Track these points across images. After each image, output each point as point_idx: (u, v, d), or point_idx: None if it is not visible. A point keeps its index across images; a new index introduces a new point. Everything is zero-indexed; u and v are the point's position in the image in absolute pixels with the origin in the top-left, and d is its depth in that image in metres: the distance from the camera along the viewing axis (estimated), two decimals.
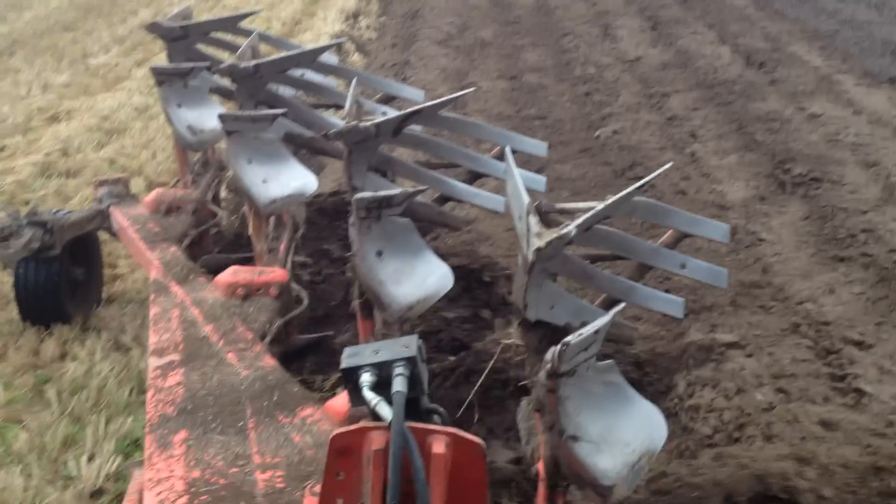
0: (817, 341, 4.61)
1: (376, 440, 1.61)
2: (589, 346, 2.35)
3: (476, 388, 3.88)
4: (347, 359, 1.71)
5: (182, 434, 3.24)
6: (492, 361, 3.91)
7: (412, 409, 1.69)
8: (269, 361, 3.63)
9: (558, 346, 2.25)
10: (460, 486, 1.66)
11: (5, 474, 4.18)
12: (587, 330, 2.31)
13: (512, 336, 3.98)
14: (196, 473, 3.04)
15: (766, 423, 3.86)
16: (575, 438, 2.37)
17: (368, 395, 1.63)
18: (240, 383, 3.49)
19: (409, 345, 1.69)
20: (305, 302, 4.20)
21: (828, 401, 4.08)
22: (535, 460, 2.72)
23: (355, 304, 3.57)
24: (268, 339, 3.89)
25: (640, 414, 2.45)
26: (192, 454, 3.13)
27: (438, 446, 1.62)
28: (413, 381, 1.66)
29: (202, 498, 2.94)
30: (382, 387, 1.64)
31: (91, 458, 4.25)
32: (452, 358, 4.27)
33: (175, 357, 3.73)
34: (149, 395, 3.50)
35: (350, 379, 1.67)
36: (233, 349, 3.73)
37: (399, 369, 1.65)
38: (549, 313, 2.79)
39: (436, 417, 1.73)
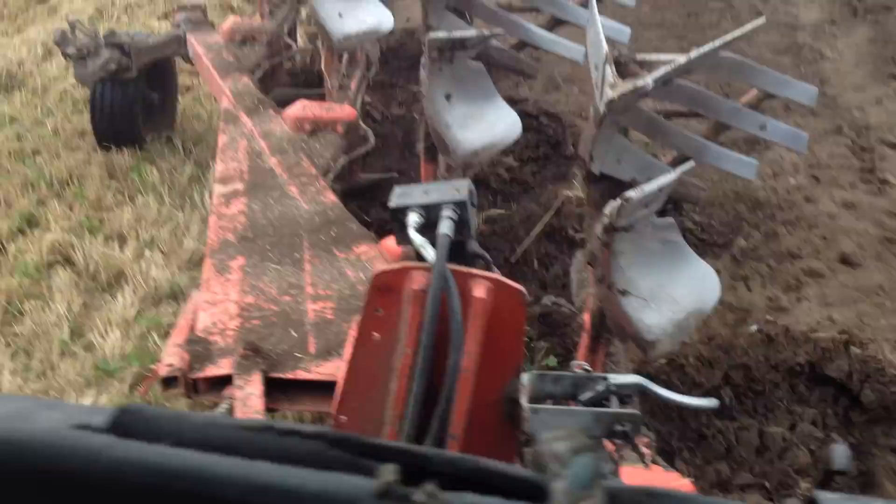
0: (855, 141, 5.12)
1: (417, 280, 1.58)
2: (650, 203, 2.26)
3: (531, 236, 3.84)
4: (397, 198, 1.66)
5: (240, 260, 3.31)
6: (551, 211, 3.84)
7: (457, 252, 1.65)
8: (331, 197, 3.64)
9: (618, 201, 2.17)
10: (498, 331, 1.63)
11: (142, 199, 5.15)
12: (650, 186, 2.21)
13: (574, 188, 3.89)
14: (250, 299, 3.12)
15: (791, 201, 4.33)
16: (624, 293, 2.33)
17: (414, 235, 1.59)
18: (300, 216, 3.52)
19: (460, 188, 1.63)
20: (371, 141, 4.16)
21: (853, 187, 4.72)
22: (583, 311, 2.69)
23: (420, 146, 3.50)
24: (331, 175, 3.88)
25: (694, 274, 2.38)
26: (248, 280, 3.20)
27: (479, 290, 1.58)
28: (460, 224, 1.62)
29: (254, 322, 3.02)
30: (430, 228, 1.60)
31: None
32: (513, 205, 4.21)
33: (239, 186, 3.76)
34: (211, 220, 3.57)
35: (397, 218, 1.63)
36: (296, 183, 3.75)
37: (447, 212, 1.59)
38: (615, 167, 2.68)
39: (480, 262, 1.69)
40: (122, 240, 4.81)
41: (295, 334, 2.98)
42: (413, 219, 1.59)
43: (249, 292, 3.16)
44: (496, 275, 1.59)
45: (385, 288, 1.61)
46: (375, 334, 1.66)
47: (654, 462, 2.59)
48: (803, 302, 3.97)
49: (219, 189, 3.77)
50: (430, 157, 3.48)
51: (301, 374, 2.84)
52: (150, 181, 5.33)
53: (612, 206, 2.15)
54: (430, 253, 1.52)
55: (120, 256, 4.63)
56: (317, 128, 4.12)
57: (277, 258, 3.33)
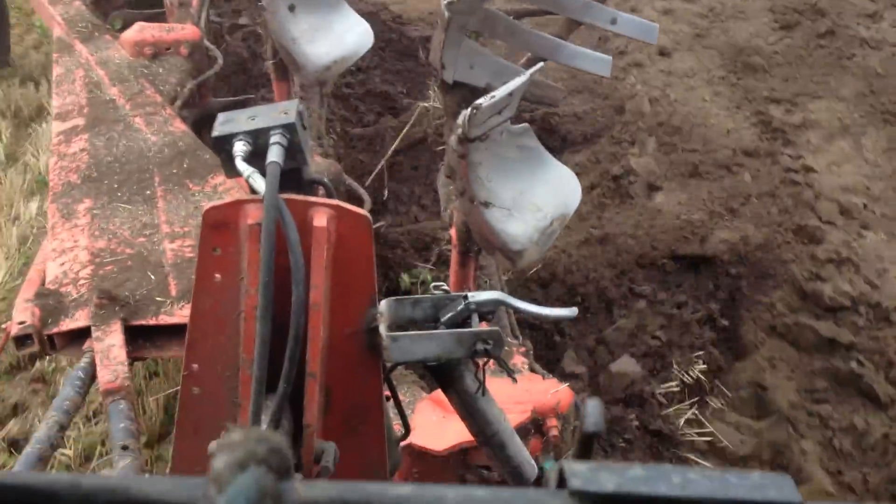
0: None
1: (252, 214, 1.47)
2: (503, 110, 2.19)
3: (388, 153, 3.74)
4: (220, 126, 1.52)
5: (87, 203, 3.09)
6: (406, 127, 3.74)
7: (293, 180, 1.54)
8: (180, 126, 3.42)
9: (468, 110, 2.09)
10: (346, 260, 1.54)
11: None
12: (500, 92, 2.14)
13: (431, 99, 3.78)
14: (101, 243, 2.93)
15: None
16: (486, 204, 2.27)
17: (241, 166, 1.46)
18: (147, 149, 3.30)
19: (288, 110, 1.50)
20: (220, 62, 3.91)
21: None
22: (451, 226, 2.64)
23: (268, 65, 3.31)
24: (179, 102, 3.65)
25: (554, 178, 2.34)
26: (97, 224, 3.00)
27: (320, 219, 1.48)
28: (292, 149, 1.50)
29: (107, 268, 2.85)
30: (259, 157, 1.47)
31: None
32: (373, 121, 4.08)
33: (79, 122, 3.49)
34: (52, 162, 3.31)
35: (223, 149, 1.50)
36: (140, 113, 3.50)
37: (276, 137, 1.47)
38: (468, 74, 2.59)
39: (319, 189, 1.59)
40: None
41: (153, 277, 2.83)
42: (239, 147, 1.46)
43: (100, 236, 2.96)
44: (336, 201, 1.49)
45: (218, 225, 1.50)
46: (217, 275, 1.55)
47: (532, 371, 2.60)
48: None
49: (57, 126, 3.49)
50: (281, 75, 3.30)
51: (165, 319, 2.71)
52: None
53: (463, 116, 2.07)
54: (259, 183, 1.41)
55: None
56: (158, 51, 3.85)
57: (127, 197, 3.12)
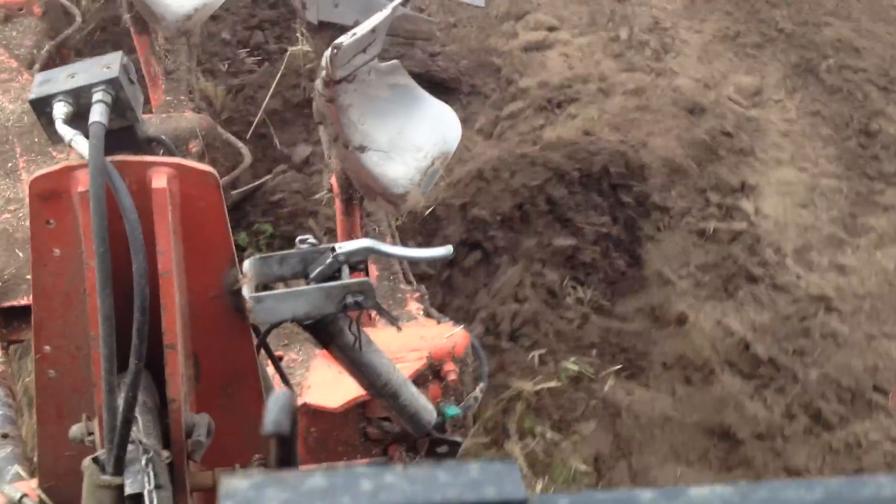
0: None
1: (83, 180, 1.35)
2: (367, 47, 2.09)
3: (264, 103, 3.58)
4: (37, 87, 1.39)
5: None
6: (278, 75, 3.58)
7: (126, 140, 1.42)
8: None
9: (329, 50, 1.98)
10: (196, 221, 1.44)
11: None
12: (362, 28, 2.03)
13: (300, 43, 3.63)
14: None
15: None
16: (362, 149, 2.18)
17: (62, 129, 1.34)
18: (6, 119, 3.08)
19: (110, 64, 1.38)
20: (78, 19, 3.65)
21: None
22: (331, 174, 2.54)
23: (126, 18, 3.10)
24: (37, 65, 3.40)
25: (431, 114, 2.26)
26: None
27: (159, 180, 1.37)
28: (120, 107, 1.37)
29: None
30: (85, 118, 1.35)
31: None
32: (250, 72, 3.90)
33: None
34: None
35: (43, 112, 1.37)
36: None
37: (98, 95, 1.34)
38: (332, 12, 2.47)
39: (158, 147, 1.47)
40: None
41: (22, 255, 2.65)
42: (60, 109, 1.33)
43: None
44: (177, 159, 1.38)
45: (48, 195, 1.37)
46: (56, 249, 1.43)
47: (427, 315, 2.55)
48: None
49: None
50: (140, 28, 3.10)
51: None
52: None
53: (325, 58, 1.96)
54: (83, 147, 1.28)
55: None
56: (10, 13, 3.57)
57: None
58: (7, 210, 2.77)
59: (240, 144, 3.13)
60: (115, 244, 1.31)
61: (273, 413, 0.50)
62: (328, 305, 1.51)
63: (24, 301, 2.54)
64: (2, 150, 2.98)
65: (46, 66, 3.45)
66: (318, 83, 2.09)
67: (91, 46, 4.03)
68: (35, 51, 3.47)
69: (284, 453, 0.58)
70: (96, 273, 1.27)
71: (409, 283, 2.57)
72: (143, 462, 1.31)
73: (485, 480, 0.36)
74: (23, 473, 1.90)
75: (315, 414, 2.17)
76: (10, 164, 2.93)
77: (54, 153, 2.92)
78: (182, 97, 3.13)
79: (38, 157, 2.93)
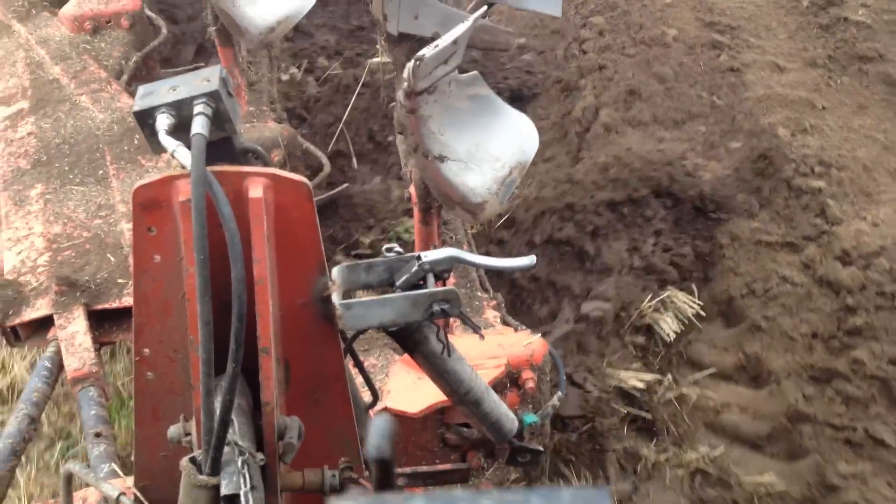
0: None
1: (183, 190, 1.40)
2: (448, 59, 2.11)
3: (346, 113, 3.64)
4: (140, 100, 1.44)
5: (39, 188, 3.01)
6: (359, 86, 3.64)
7: (224, 151, 1.47)
8: (128, 101, 3.32)
9: (412, 62, 2.02)
10: (288, 230, 1.48)
11: None
12: (443, 40, 2.06)
13: (380, 54, 3.68)
14: (57, 229, 2.85)
15: None
16: (441, 159, 2.21)
17: (165, 140, 1.39)
18: (96, 128, 3.21)
19: (210, 77, 1.43)
20: (164, 31, 3.78)
21: None
22: (410, 184, 2.58)
23: (211, 31, 3.20)
24: (125, 76, 3.54)
25: (510, 126, 2.28)
26: (51, 208, 2.92)
27: (255, 189, 1.42)
28: (219, 119, 1.42)
29: (65, 253, 2.78)
30: (185, 129, 1.40)
31: None
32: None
33: (24, 105, 3.39)
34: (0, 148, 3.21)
35: (146, 123, 1.43)
36: (86, 91, 3.40)
37: (199, 108, 1.40)
38: (412, 24, 2.50)
39: (254, 158, 1.52)
40: None
41: (113, 259, 2.76)
42: (162, 121, 1.39)
43: (55, 222, 2.89)
44: (273, 170, 1.43)
45: (150, 204, 1.43)
46: (156, 256, 1.49)
47: (505, 323, 2.57)
48: None
49: (1, 112, 3.38)
50: (225, 40, 3.19)
51: (130, 302, 2.64)
52: None
53: (407, 69, 2.00)
54: (185, 157, 1.34)
55: None
56: (99, 25, 3.72)
57: (80, 179, 3.04)
58: (98, 216, 2.88)
59: (319, 153, 3.19)
60: (212, 252, 1.36)
61: (375, 438, 0.52)
62: (415, 313, 1.55)
63: (115, 304, 2.64)
64: (93, 157, 3.10)
65: (134, 76, 3.59)
66: (400, 94, 2.13)
67: (175, 54, 4.16)
68: (123, 62, 3.61)
69: (385, 476, 0.60)
70: (196, 279, 1.32)
71: (485, 290, 2.60)
72: (239, 463, 1.36)
73: None
74: (118, 471, 1.97)
75: (395, 419, 2.20)
76: (100, 172, 3.04)
77: (143, 161, 3.03)
78: (264, 107, 3.22)
79: (127, 164, 3.04)
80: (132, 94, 3.42)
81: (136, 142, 3.11)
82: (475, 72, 2.21)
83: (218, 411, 1.35)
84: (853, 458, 2.92)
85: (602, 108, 4.12)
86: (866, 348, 3.18)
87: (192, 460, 1.39)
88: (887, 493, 2.80)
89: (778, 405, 3.14)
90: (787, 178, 3.88)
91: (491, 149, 2.24)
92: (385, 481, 0.73)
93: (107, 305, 2.65)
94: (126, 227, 2.82)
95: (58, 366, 2.54)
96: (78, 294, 2.66)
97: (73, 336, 2.56)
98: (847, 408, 3.05)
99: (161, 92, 1.44)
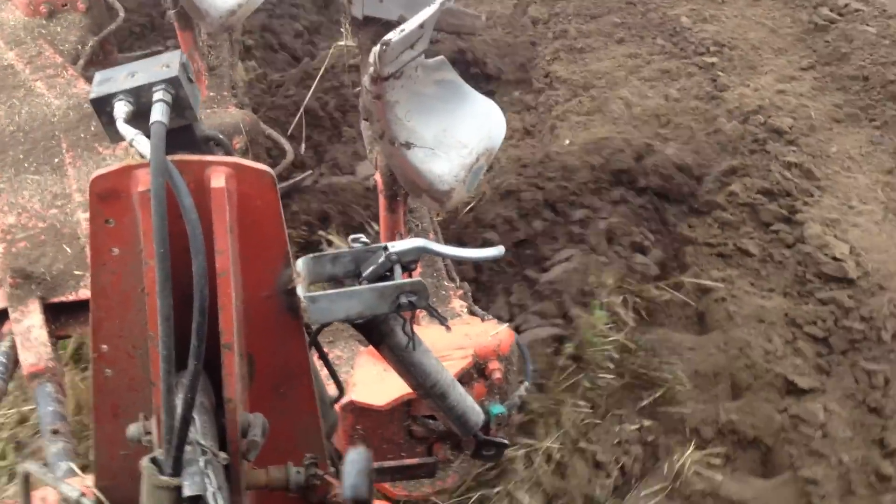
0: None
1: (143, 179, 1.35)
2: (415, 43, 2.07)
3: (306, 99, 3.58)
4: (97, 86, 1.39)
5: None
6: (321, 69, 3.57)
7: (184, 139, 1.42)
8: (84, 87, 3.23)
9: (377, 47, 1.97)
10: (252, 220, 1.44)
11: None
12: (410, 24, 2.02)
13: (345, 38, 3.62)
14: (11, 219, 2.76)
15: None
16: (408, 145, 2.17)
17: (124, 128, 1.34)
18: (52, 115, 3.12)
19: (170, 63, 1.38)
20: (122, 14, 3.68)
21: None
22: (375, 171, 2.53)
23: (170, 14, 3.12)
24: (82, 61, 3.44)
25: (477, 111, 2.24)
26: (5, 198, 2.83)
27: (217, 179, 1.37)
28: (180, 106, 1.38)
29: (20, 245, 2.69)
30: (145, 117, 1.35)
31: None
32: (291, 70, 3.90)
33: None
34: None
35: (103, 111, 1.37)
36: (41, 77, 3.30)
37: (159, 94, 1.35)
38: (377, 7, 2.46)
39: (215, 146, 1.47)
40: None
41: (69, 250, 2.68)
42: (121, 109, 1.34)
43: (9, 212, 2.80)
44: (235, 158, 1.38)
45: (108, 194, 1.38)
46: (114, 248, 1.44)
47: (472, 313, 2.54)
48: None
49: None
50: (184, 24, 3.11)
51: (87, 294, 2.55)
52: None
53: (373, 54, 1.95)
54: (144, 146, 1.29)
55: None
56: (55, 8, 3.61)
57: (35, 167, 2.95)
58: (54, 206, 2.80)
59: (282, 140, 3.13)
60: (173, 243, 1.31)
61: (351, 477, 0.49)
62: (381, 305, 1.51)
63: (72, 297, 2.57)
64: (48, 145, 3.01)
65: (91, 61, 3.50)
66: (366, 79, 2.09)
67: (133, 42, 4.06)
68: (79, 46, 3.51)
69: None
70: (156, 273, 1.28)
71: (451, 280, 2.57)
72: (202, 463, 1.32)
73: None
74: (76, 470, 1.92)
75: (361, 412, 2.17)
76: (56, 160, 2.96)
77: (100, 149, 2.95)
78: (225, 93, 3.15)
79: (84, 152, 2.95)
80: (89, 80, 3.33)
81: (92, 129, 3.02)
82: (441, 56, 2.17)
83: (179, 409, 1.31)
84: (724, 267, 3.61)
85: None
86: (740, 183, 3.92)
87: (154, 460, 1.35)
88: (749, 290, 3.49)
89: None
90: (687, 56, 4.76)
91: (458, 135, 2.21)
92: None
93: (63, 298, 2.58)
94: (83, 217, 2.75)
95: (13, 361, 2.47)
96: (33, 287, 2.59)
97: (29, 330, 2.49)
98: (722, 231, 3.77)
99: (119, 78, 1.39)
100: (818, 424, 3.05)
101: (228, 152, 1.48)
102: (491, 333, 2.28)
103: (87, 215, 2.72)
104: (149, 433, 1.45)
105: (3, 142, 3.04)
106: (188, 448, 1.33)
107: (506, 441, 1.96)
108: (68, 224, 2.74)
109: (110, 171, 1.39)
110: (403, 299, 1.50)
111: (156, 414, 1.42)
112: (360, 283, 1.57)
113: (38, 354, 2.41)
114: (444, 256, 1.58)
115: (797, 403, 3.12)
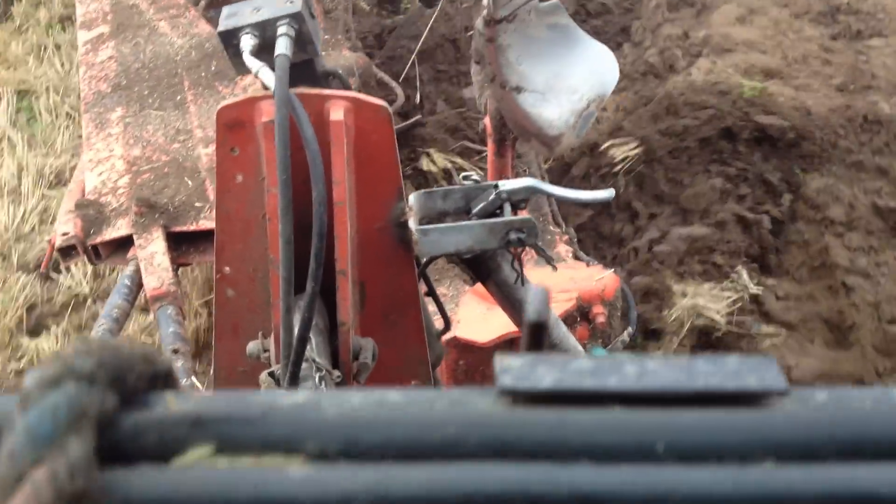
0: None
1: (266, 111, 1.41)
2: None
3: (419, 44, 3.60)
4: (224, 20, 1.45)
5: (119, 112, 3.07)
6: (434, 14, 3.59)
7: (305, 73, 1.47)
8: (205, 27, 3.35)
9: None
10: (368, 154, 1.49)
11: None
12: None
13: None
14: (136, 151, 2.91)
15: None
16: (518, 89, 2.18)
17: (250, 61, 1.40)
18: (174, 53, 3.24)
19: None
20: None
21: None
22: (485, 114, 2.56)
23: None
24: (203, 2, 3.56)
25: (589, 57, 2.23)
26: (131, 132, 2.98)
27: (336, 112, 1.42)
28: (302, 41, 1.43)
29: (144, 176, 2.84)
30: (269, 50, 1.41)
31: None
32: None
33: (104, 29, 3.43)
34: (81, 72, 3.28)
35: (230, 44, 1.44)
36: (164, 16, 3.43)
37: (283, 28, 1.40)
38: None
39: (334, 80, 1.52)
40: None
41: (191, 183, 2.81)
42: (247, 42, 1.40)
43: (135, 145, 2.95)
44: (353, 93, 1.43)
45: (234, 124, 1.45)
46: (238, 176, 1.51)
47: (576, 258, 2.55)
48: None
49: (83, 36, 3.44)
50: None
51: (206, 225, 2.70)
52: None
53: None
54: (269, 78, 1.35)
55: None
56: None
57: (159, 103, 3.09)
58: (177, 140, 2.93)
59: (394, 84, 3.18)
60: (293, 173, 1.37)
61: (535, 304, 0.52)
62: (491, 241, 1.55)
63: (192, 227, 2.70)
64: (171, 83, 3.14)
65: (211, 3, 3.61)
66: (479, 22, 2.10)
67: None
68: None
69: (538, 341, 0.60)
70: (278, 199, 1.34)
71: (557, 225, 2.58)
72: (317, 379, 1.39)
73: (744, 371, 0.38)
74: (198, 384, 2.04)
75: (464, 347, 2.23)
76: (178, 97, 3.09)
77: (220, 88, 3.06)
78: (339, 36, 3.21)
79: (204, 91, 3.07)
80: (209, 21, 3.44)
81: (213, 68, 3.14)
82: (556, 1, 2.16)
83: (297, 328, 1.38)
84: None
85: None
86: None
87: (271, 374, 1.43)
88: None
89: None
90: None
91: (569, 80, 2.20)
92: (537, 346, 0.73)
93: (184, 228, 2.71)
94: (203, 152, 2.87)
95: (137, 284, 2.62)
96: (157, 216, 2.73)
97: (153, 256, 2.63)
98: None
99: (245, 13, 1.45)
100: None
101: (347, 87, 1.52)
102: (596, 278, 2.29)
103: (208, 151, 2.86)
104: (267, 350, 1.53)
105: (129, 78, 3.18)
106: (304, 365, 1.41)
107: None
108: (190, 158, 2.87)
109: (236, 102, 1.46)
110: (513, 235, 1.53)
111: (274, 332, 1.50)
112: (469, 220, 1.61)
113: (160, 279, 2.55)
114: (553, 196, 1.60)
115: None
